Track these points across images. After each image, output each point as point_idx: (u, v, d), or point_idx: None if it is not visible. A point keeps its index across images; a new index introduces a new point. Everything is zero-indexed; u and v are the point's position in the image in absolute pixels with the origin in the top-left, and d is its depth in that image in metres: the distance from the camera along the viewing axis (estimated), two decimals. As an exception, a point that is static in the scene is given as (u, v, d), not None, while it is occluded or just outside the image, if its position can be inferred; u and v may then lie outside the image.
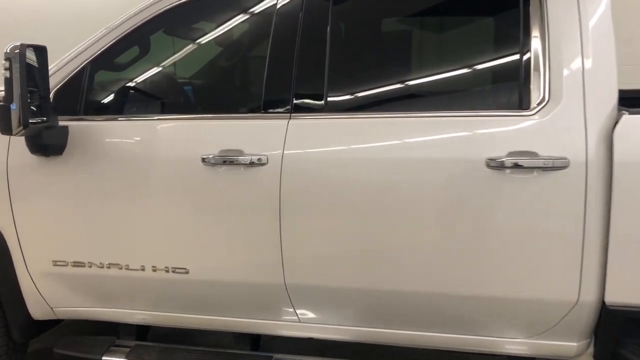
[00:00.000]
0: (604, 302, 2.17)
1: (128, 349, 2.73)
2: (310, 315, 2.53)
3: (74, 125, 2.54)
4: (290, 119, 2.39)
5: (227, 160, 2.38)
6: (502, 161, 2.14)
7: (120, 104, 2.80)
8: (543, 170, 2.12)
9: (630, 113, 2.10)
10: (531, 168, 2.13)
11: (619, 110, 2.15)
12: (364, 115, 2.41)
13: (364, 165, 2.29)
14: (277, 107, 2.43)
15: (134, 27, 2.57)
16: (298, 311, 2.52)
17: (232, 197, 2.42)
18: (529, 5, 2.25)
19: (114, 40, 2.58)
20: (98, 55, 2.60)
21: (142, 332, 2.91)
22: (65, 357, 2.73)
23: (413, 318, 2.41)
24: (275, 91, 2.45)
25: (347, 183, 2.31)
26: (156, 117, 2.62)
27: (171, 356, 2.67)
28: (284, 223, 2.36)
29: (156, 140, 2.52)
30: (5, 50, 2.25)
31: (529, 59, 2.23)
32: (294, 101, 2.41)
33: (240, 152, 2.38)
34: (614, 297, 2.15)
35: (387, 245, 2.31)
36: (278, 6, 2.48)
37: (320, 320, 2.53)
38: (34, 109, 2.35)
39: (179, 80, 2.96)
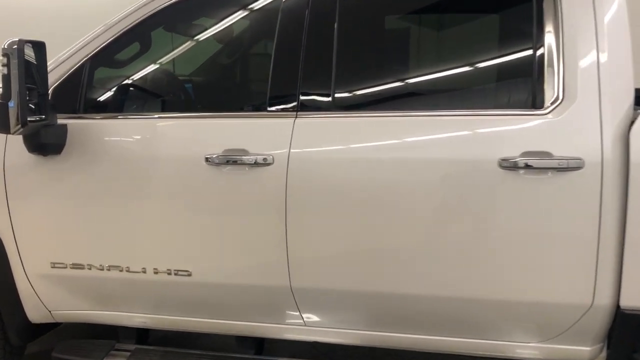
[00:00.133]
0: (618, 306, 2.12)
1: (128, 353, 2.69)
2: (317, 318, 2.47)
3: (73, 124, 2.47)
4: (296, 117, 2.33)
5: (231, 160, 2.32)
6: (516, 161, 2.09)
7: (121, 102, 2.74)
8: (557, 171, 2.07)
9: None
10: (545, 169, 2.08)
11: (636, 109, 2.10)
12: (373, 114, 2.35)
13: (373, 165, 2.24)
14: (283, 106, 2.37)
15: (135, 22, 2.50)
16: (304, 314, 2.46)
17: (236, 198, 2.36)
18: None
19: (115, 37, 2.52)
20: (98, 51, 2.53)
21: (142, 335, 2.86)
22: (63, 362, 2.68)
23: (424, 321, 2.36)
24: (280, 89, 2.39)
25: (356, 184, 2.25)
26: (158, 116, 2.56)
27: (173, 360, 2.62)
28: (290, 224, 2.30)
29: (158, 139, 2.46)
30: (2, 46, 2.18)
31: (542, 56, 2.18)
32: (300, 99, 2.35)
33: (244, 152, 2.32)
34: (629, 301, 2.10)
35: (397, 247, 2.26)
36: (284, 1, 2.42)
37: (326, 324, 2.48)
38: (32, 106, 2.28)
39: (181, 78, 2.90)
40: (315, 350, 3.10)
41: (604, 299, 2.12)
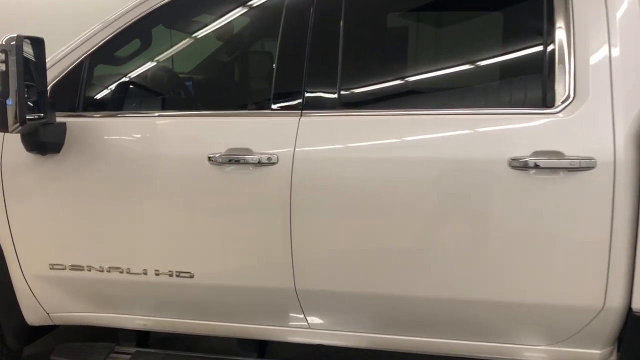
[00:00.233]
0: (630, 309, 2.08)
1: (128, 356, 2.64)
2: (321, 321, 2.43)
3: (72, 122, 2.42)
4: (301, 116, 2.28)
5: (234, 159, 2.27)
6: (526, 161, 2.05)
7: (121, 100, 2.68)
8: (569, 171, 2.03)
9: None
10: (556, 169, 2.04)
11: None
12: (380, 113, 2.30)
13: (380, 164, 2.19)
14: (288, 104, 2.32)
15: (135, 18, 2.45)
16: (308, 317, 2.42)
17: (240, 198, 2.32)
18: None
19: (115, 33, 2.46)
20: (98, 48, 2.47)
21: (142, 337, 2.81)
22: (62, 365, 2.63)
23: (431, 324, 2.32)
24: (285, 87, 2.35)
25: (363, 184, 2.21)
26: (158, 114, 2.50)
27: (174, 363, 2.57)
28: (295, 225, 2.26)
29: (159, 138, 2.41)
30: (0, 42, 2.12)
31: (553, 53, 2.13)
32: (306, 98, 2.30)
33: (248, 151, 2.27)
34: (642, 304, 2.07)
35: (404, 248, 2.21)
36: None
37: (331, 327, 2.43)
38: (31, 104, 2.22)
39: (183, 76, 2.85)
40: (318, 353, 3.06)
41: (616, 302, 2.09)
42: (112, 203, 2.42)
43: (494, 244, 2.14)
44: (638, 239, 2.02)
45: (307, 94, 2.30)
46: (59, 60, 2.49)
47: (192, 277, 2.41)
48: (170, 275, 2.42)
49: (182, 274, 2.41)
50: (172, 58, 2.79)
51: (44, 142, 2.36)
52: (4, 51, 2.10)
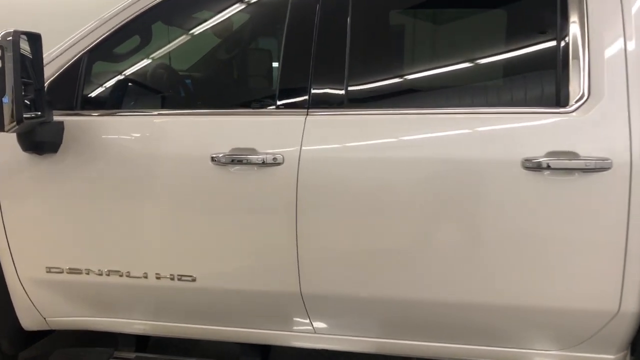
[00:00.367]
0: (646, 313, 2.04)
1: (128, 361, 2.58)
2: (327, 325, 2.37)
3: (70, 121, 2.35)
4: (307, 115, 2.22)
5: (238, 159, 2.21)
6: (540, 162, 1.99)
7: (120, 98, 2.61)
8: (584, 172, 1.98)
9: None
10: (571, 169, 1.99)
11: None
12: (388, 111, 2.24)
13: (389, 164, 2.13)
14: (293, 103, 2.26)
15: (135, 14, 2.38)
16: (314, 321, 2.36)
17: (244, 199, 2.25)
18: None
19: (114, 29, 2.39)
20: (96, 44, 2.40)
21: (141, 342, 2.74)
22: (60, 371, 2.58)
23: (440, 328, 2.27)
24: (291, 85, 2.29)
25: (371, 184, 2.15)
26: (159, 113, 2.44)
27: (175, 368, 2.52)
28: (301, 227, 2.20)
29: (160, 138, 2.34)
30: (-4, 38, 2.05)
31: (566, 50, 2.08)
32: (312, 96, 2.24)
33: (253, 151, 2.21)
34: (658, 308, 2.02)
35: (414, 251, 2.16)
36: None
37: (337, 331, 2.38)
38: (28, 102, 2.15)
39: (184, 73, 2.78)
40: (321, 357, 3.01)
41: (631, 306, 2.04)
42: (112, 204, 2.36)
43: (507, 246, 2.09)
44: (655, 241, 1.98)
45: (313, 92, 2.24)
46: (56, 57, 2.41)
47: (194, 280, 2.34)
48: (172, 279, 2.36)
49: (183, 278, 2.35)
50: (171, 56, 2.73)
51: (41, 141, 2.29)
52: (0, 47, 2.03)
